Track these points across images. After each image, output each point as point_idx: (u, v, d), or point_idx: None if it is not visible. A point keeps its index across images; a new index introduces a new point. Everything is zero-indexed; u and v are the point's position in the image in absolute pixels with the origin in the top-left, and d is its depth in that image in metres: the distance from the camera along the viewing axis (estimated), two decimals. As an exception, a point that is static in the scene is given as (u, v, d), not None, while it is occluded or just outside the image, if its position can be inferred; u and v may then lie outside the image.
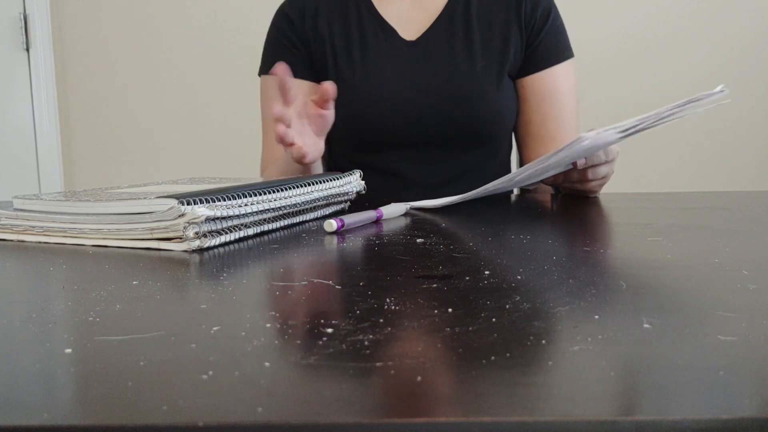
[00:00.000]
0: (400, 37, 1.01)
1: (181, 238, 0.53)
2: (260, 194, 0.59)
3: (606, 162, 0.80)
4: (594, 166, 0.79)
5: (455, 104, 0.97)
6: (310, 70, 1.03)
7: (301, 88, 1.02)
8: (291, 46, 1.03)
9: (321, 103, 0.79)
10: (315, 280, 0.41)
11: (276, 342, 0.29)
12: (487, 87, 0.98)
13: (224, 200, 0.55)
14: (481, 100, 0.97)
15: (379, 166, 1.01)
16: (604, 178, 0.83)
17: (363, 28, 1.01)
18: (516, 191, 1.14)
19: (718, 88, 0.65)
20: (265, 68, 1.05)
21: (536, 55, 1.01)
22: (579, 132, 1.04)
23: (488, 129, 0.99)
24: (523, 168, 0.70)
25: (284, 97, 0.78)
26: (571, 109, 1.03)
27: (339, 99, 1.00)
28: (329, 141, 1.06)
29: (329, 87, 0.77)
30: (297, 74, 1.02)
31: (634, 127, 0.66)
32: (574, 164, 0.77)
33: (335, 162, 1.06)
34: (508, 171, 1.10)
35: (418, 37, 1.00)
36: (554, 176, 0.83)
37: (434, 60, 0.99)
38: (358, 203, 0.79)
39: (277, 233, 0.61)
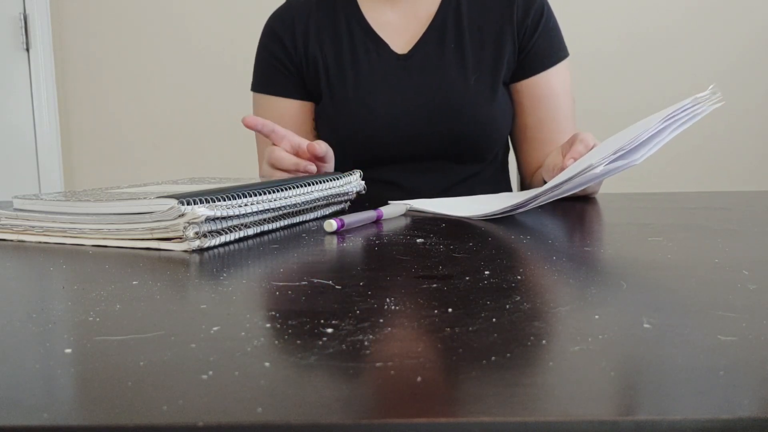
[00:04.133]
0: (391, 50, 0.99)
1: (181, 238, 0.53)
2: (260, 194, 0.59)
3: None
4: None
5: (449, 119, 0.96)
6: (301, 89, 1.02)
7: (292, 108, 1.02)
8: (282, 67, 1.01)
9: (313, 159, 0.79)
10: (315, 280, 0.41)
11: (276, 342, 0.29)
12: (481, 100, 0.96)
13: (224, 200, 0.55)
14: (475, 114, 0.96)
15: (377, 178, 1.00)
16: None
17: (354, 43, 0.99)
18: (515, 191, 1.14)
19: (708, 90, 0.62)
20: (257, 86, 1.04)
21: (529, 59, 0.99)
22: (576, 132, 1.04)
23: (483, 142, 0.98)
24: (526, 198, 0.67)
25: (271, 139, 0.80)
26: (567, 110, 1.01)
27: (334, 119, 0.99)
28: None
29: (316, 147, 0.77)
30: (288, 94, 1.02)
31: (634, 144, 0.64)
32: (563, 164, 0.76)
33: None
34: (507, 175, 1.09)
35: (410, 49, 0.99)
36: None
37: (426, 74, 0.97)
38: (358, 203, 0.79)
39: (277, 233, 0.61)
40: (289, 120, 1.02)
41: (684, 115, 0.61)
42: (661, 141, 0.61)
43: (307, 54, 1.00)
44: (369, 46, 0.99)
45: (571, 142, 0.78)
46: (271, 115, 1.02)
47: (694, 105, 0.60)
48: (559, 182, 0.66)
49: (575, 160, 0.75)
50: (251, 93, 1.06)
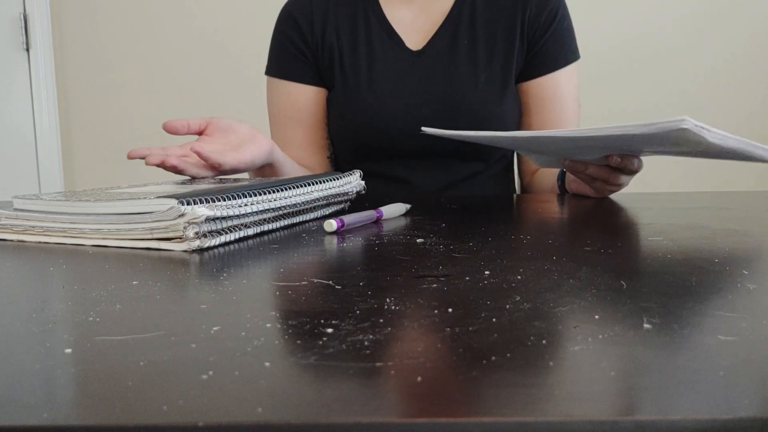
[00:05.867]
0: (405, 46, 1.00)
1: (181, 238, 0.53)
2: (260, 194, 0.59)
3: (632, 172, 0.78)
4: (621, 171, 0.77)
5: (456, 116, 0.96)
6: (316, 75, 1.02)
7: (306, 93, 1.02)
8: (298, 52, 1.02)
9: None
10: (315, 280, 0.41)
11: (276, 342, 0.29)
12: (490, 98, 0.97)
13: (224, 200, 0.55)
14: (484, 113, 0.96)
15: (382, 173, 1.00)
16: (620, 186, 0.81)
17: (370, 36, 1.00)
18: (518, 190, 1.14)
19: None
20: (272, 70, 1.05)
21: (538, 59, 0.99)
22: None
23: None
24: (601, 129, 0.64)
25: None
26: (573, 113, 1.01)
27: (344, 107, 1.00)
28: (334, 147, 1.06)
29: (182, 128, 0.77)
30: (302, 80, 1.02)
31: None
32: (611, 159, 0.75)
33: (339, 168, 1.06)
34: (512, 175, 1.09)
35: (423, 46, 0.99)
36: (581, 166, 0.79)
37: (438, 71, 0.98)
38: (358, 203, 0.79)
39: (277, 233, 0.61)
40: (302, 106, 1.02)
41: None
42: (735, 146, 0.67)
43: (324, 39, 1.01)
44: (384, 40, 1.00)
45: None
46: (284, 99, 1.02)
47: None
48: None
49: (621, 159, 0.74)
50: (257, 81, 1.06)
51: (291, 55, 1.02)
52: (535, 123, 1.01)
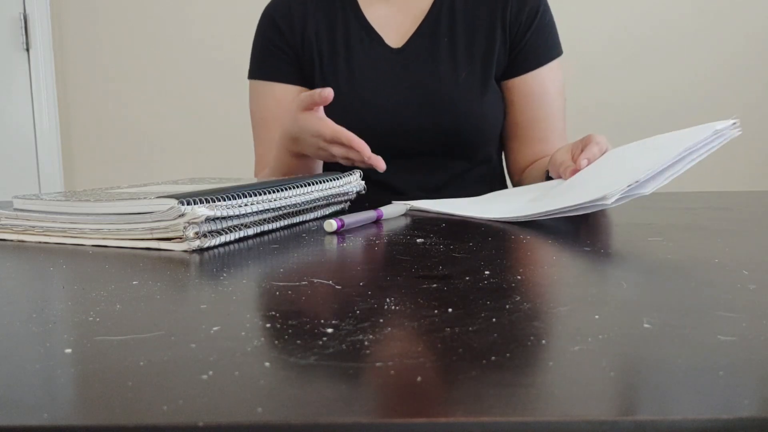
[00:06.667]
0: (385, 44, 1.00)
1: (181, 238, 0.53)
2: (260, 194, 0.59)
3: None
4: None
5: (439, 113, 0.96)
6: (298, 75, 1.02)
7: (290, 93, 1.02)
8: (280, 52, 1.02)
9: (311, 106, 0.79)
10: (315, 280, 0.41)
11: (276, 342, 0.29)
12: (471, 95, 0.97)
13: (224, 200, 0.55)
14: (465, 109, 0.96)
15: (366, 174, 1.00)
16: None
17: (349, 35, 1.00)
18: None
19: (730, 122, 0.60)
20: (255, 73, 1.04)
21: (522, 56, 0.99)
22: (566, 134, 1.03)
23: (473, 138, 0.98)
24: (537, 213, 0.65)
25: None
26: (559, 109, 1.01)
27: (326, 108, 0.99)
28: None
29: (325, 95, 0.77)
30: (286, 80, 1.02)
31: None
32: (576, 164, 0.75)
33: (327, 169, 1.06)
34: (502, 178, 1.09)
35: (403, 44, 0.99)
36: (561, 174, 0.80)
37: (418, 68, 0.98)
38: (358, 203, 0.79)
39: (277, 233, 0.61)
40: (287, 106, 1.01)
41: (703, 148, 0.59)
42: (675, 173, 0.60)
43: (303, 40, 1.01)
44: (363, 39, 1.00)
45: (586, 142, 0.77)
46: (269, 101, 1.02)
47: (715, 137, 0.59)
48: (570, 205, 0.63)
49: (589, 161, 0.74)
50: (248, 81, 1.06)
51: (273, 55, 1.02)
52: (521, 120, 1.01)
